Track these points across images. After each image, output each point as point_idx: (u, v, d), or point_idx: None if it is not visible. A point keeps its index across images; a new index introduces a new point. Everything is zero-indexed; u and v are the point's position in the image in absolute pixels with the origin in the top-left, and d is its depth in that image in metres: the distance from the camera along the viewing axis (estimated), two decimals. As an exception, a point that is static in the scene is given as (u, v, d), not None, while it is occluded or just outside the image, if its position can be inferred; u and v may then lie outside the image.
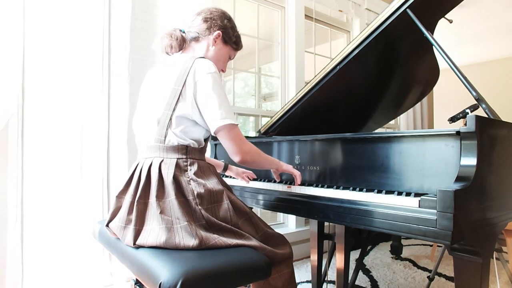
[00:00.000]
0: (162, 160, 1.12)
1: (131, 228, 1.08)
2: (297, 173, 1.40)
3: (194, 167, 1.14)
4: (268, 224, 1.24)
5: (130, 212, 1.10)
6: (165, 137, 1.13)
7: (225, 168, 1.68)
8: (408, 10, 1.42)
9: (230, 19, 1.35)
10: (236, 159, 1.17)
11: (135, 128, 1.29)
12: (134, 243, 1.06)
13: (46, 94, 1.75)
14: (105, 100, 1.92)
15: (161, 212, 1.05)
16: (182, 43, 1.28)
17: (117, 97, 1.94)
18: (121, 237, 1.11)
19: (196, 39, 1.30)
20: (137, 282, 1.30)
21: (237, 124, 1.16)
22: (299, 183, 1.40)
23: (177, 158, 1.13)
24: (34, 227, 1.70)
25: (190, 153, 1.15)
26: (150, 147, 1.16)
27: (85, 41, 1.86)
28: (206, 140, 1.23)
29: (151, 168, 1.12)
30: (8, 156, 1.64)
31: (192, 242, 1.01)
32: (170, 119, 1.13)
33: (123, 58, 1.95)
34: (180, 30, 1.30)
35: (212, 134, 1.16)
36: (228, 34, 1.32)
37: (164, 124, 1.13)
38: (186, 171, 1.12)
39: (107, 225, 1.18)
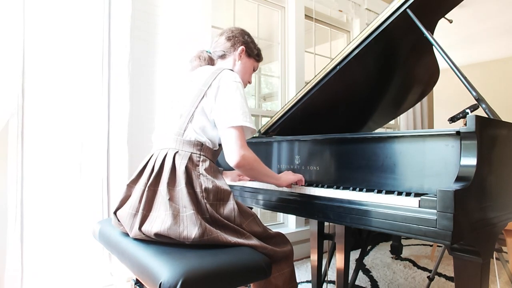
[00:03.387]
0: (177, 152, 1.16)
1: (139, 214, 1.09)
2: (298, 179, 1.38)
3: (206, 164, 1.17)
4: (268, 224, 1.25)
5: (141, 200, 1.12)
6: (185, 130, 1.19)
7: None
8: (408, 10, 1.42)
9: (249, 35, 1.49)
10: (232, 160, 1.15)
11: (158, 123, 1.36)
12: (140, 229, 1.07)
13: (46, 94, 1.75)
14: (105, 100, 1.92)
15: (170, 199, 1.08)
16: (210, 62, 1.43)
17: (117, 97, 1.94)
18: (130, 226, 1.12)
19: (222, 56, 1.44)
20: (137, 282, 1.30)
21: (254, 130, 1.20)
22: (302, 184, 1.39)
23: (191, 152, 1.17)
24: (34, 227, 1.70)
25: (204, 150, 1.19)
26: (168, 138, 1.21)
27: (85, 41, 1.86)
28: (220, 145, 1.26)
29: (166, 157, 1.16)
30: (8, 156, 1.64)
31: (195, 231, 1.03)
32: (193, 114, 1.19)
33: (123, 58, 1.95)
34: (207, 51, 1.44)
35: (221, 135, 1.19)
36: (250, 48, 1.46)
37: (186, 119, 1.20)
38: (198, 166, 1.16)
39: (114, 213, 1.20)
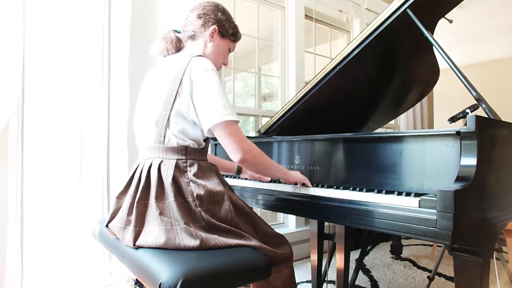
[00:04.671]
0: (162, 161, 1.11)
1: (130, 229, 1.07)
2: (307, 181, 1.36)
3: (194, 168, 1.12)
4: (268, 224, 1.24)
5: (129, 213, 1.10)
6: (164, 137, 1.12)
7: (239, 171, 1.63)
8: (408, 10, 1.42)
9: (224, 11, 1.31)
10: (235, 157, 1.10)
11: (135, 129, 1.28)
12: (134, 244, 1.06)
13: (46, 94, 1.75)
14: (105, 100, 1.92)
15: (160, 214, 1.04)
16: (177, 44, 1.28)
17: (117, 97, 1.94)
18: (121, 238, 1.11)
19: (192, 37, 1.28)
20: (137, 282, 1.30)
21: (238, 121, 1.11)
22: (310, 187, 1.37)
23: (177, 159, 1.11)
24: (34, 227, 1.70)
25: (190, 153, 1.14)
26: (150, 147, 1.15)
27: (85, 41, 1.86)
28: (205, 140, 1.21)
29: (151, 169, 1.11)
30: (8, 156, 1.64)
31: (192, 242, 1.01)
32: (168, 119, 1.11)
33: (123, 58, 1.95)
34: (175, 31, 1.30)
35: (205, 133, 1.12)
36: (224, 27, 1.29)
37: (163, 125, 1.12)
38: (186, 172, 1.11)
39: (106, 226, 1.18)
